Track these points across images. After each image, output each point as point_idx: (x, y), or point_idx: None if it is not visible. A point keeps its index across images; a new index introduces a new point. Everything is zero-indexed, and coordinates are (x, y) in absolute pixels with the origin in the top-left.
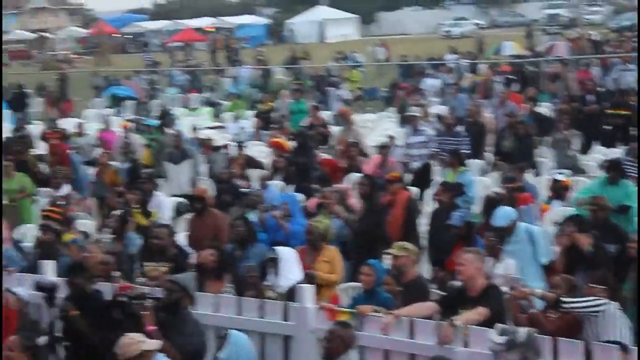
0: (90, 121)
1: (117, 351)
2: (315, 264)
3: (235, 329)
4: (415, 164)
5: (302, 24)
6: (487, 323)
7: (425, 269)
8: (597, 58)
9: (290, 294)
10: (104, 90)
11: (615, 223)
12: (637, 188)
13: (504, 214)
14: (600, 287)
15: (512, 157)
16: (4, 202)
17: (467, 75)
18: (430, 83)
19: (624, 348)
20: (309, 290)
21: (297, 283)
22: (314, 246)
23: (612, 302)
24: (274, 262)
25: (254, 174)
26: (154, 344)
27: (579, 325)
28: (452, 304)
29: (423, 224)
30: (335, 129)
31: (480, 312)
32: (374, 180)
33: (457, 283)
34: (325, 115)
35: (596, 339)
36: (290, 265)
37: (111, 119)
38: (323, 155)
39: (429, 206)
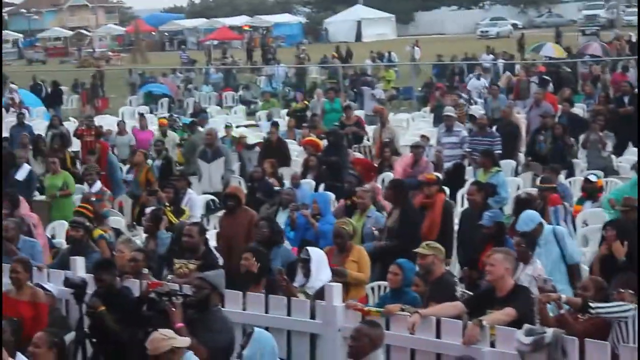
0: (126, 118)
1: (147, 346)
2: (344, 264)
3: (263, 327)
4: (447, 164)
5: (339, 23)
6: (515, 324)
7: (454, 269)
8: (635, 59)
9: (318, 294)
10: (139, 88)
11: None
12: None
13: (527, 218)
14: (629, 291)
15: (545, 157)
16: (41, 198)
17: (503, 75)
18: (475, 84)
19: None
20: (336, 288)
21: (323, 281)
22: (342, 247)
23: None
24: (305, 262)
25: (286, 172)
26: (184, 341)
27: (606, 327)
28: (479, 304)
29: (454, 224)
30: (370, 128)
31: (507, 312)
32: (400, 184)
33: (487, 283)
34: (360, 114)
35: (623, 342)
36: (320, 267)
37: (145, 116)
38: (355, 154)
39: (460, 206)
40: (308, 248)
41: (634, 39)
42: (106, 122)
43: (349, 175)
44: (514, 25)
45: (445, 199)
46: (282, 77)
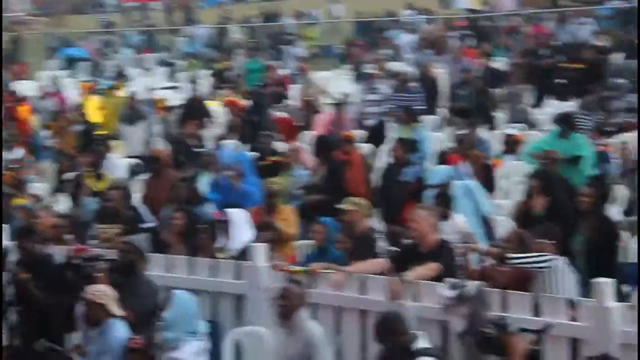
0: (45, 83)
1: (88, 289)
2: (273, 221)
3: (188, 289)
4: (370, 122)
5: None
6: (439, 278)
7: (377, 224)
8: (552, 12)
9: (242, 255)
10: (58, 52)
11: (565, 177)
12: (586, 140)
13: (437, 172)
14: (549, 241)
15: (466, 112)
16: None
17: (425, 30)
18: (405, 39)
19: (571, 302)
20: (260, 248)
21: (248, 242)
22: (270, 206)
23: (560, 256)
24: (223, 224)
25: (209, 133)
26: (118, 311)
27: (529, 278)
28: (404, 260)
29: (377, 179)
30: (291, 87)
31: (431, 267)
32: (325, 140)
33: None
34: (282, 73)
35: (545, 293)
36: (241, 227)
37: (64, 80)
38: (278, 114)
39: (382, 163)
40: (227, 210)
41: None
42: (25, 87)
43: (263, 136)
44: None
45: (362, 155)
46: (203, 38)
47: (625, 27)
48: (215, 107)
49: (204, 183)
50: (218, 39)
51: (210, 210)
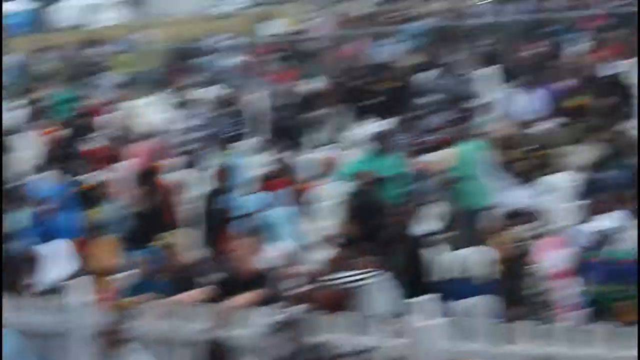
0: None
1: None
2: (94, 254)
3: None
4: (188, 148)
5: (67, 9)
6: (262, 304)
7: (199, 253)
8: (359, 34)
9: (61, 290)
10: None
11: (381, 196)
12: (400, 159)
13: (253, 200)
14: (367, 261)
15: (283, 135)
16: None
17: (237, 55)
18: (222, 64)
19: (387, 317)
20: (81, 283)
21: (68, 276)
22: (89, 237)
23: (379, 274)
24: (36, 259)
25: (23, 166)
26: None
27: (348, 297)
28: (227, 288)
29: (196, 208)
30: (106, 116)
31: (254, 294)
32: (145, 170)
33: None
34: (95, 102)
35: (365, 312)
36: (57, 261)
37: None
38: (90, 144)
39: (200, 190)
40: (40, 245)
41: (357, 12)
42: None
43: (76, 166)
44: (254, 2)
45: (177, 184)
46: (15, 68)
47: (435, 44)
48: (28, 138)
49: (19, 218)
50: (30, 69)
51: (26, 245)
